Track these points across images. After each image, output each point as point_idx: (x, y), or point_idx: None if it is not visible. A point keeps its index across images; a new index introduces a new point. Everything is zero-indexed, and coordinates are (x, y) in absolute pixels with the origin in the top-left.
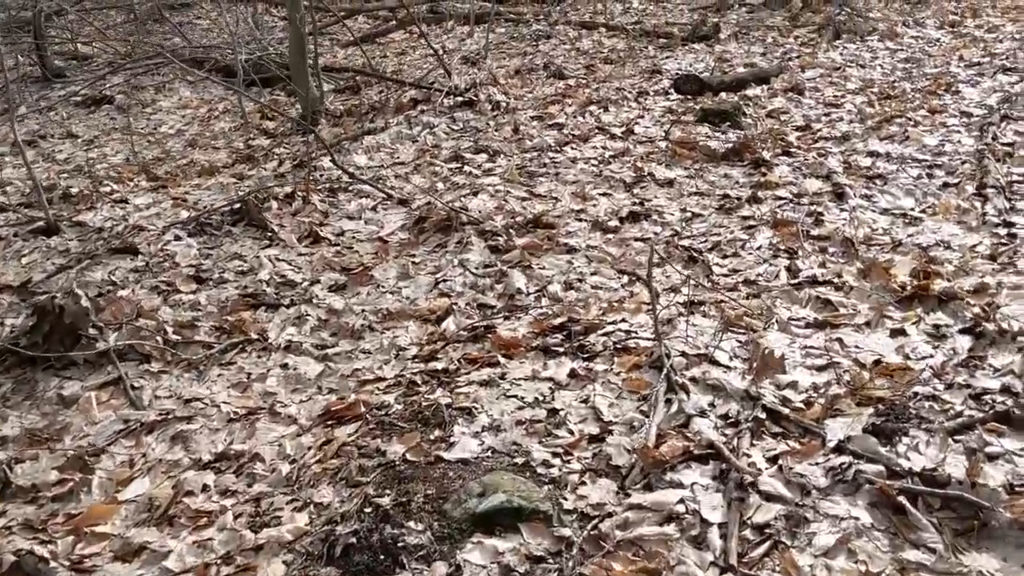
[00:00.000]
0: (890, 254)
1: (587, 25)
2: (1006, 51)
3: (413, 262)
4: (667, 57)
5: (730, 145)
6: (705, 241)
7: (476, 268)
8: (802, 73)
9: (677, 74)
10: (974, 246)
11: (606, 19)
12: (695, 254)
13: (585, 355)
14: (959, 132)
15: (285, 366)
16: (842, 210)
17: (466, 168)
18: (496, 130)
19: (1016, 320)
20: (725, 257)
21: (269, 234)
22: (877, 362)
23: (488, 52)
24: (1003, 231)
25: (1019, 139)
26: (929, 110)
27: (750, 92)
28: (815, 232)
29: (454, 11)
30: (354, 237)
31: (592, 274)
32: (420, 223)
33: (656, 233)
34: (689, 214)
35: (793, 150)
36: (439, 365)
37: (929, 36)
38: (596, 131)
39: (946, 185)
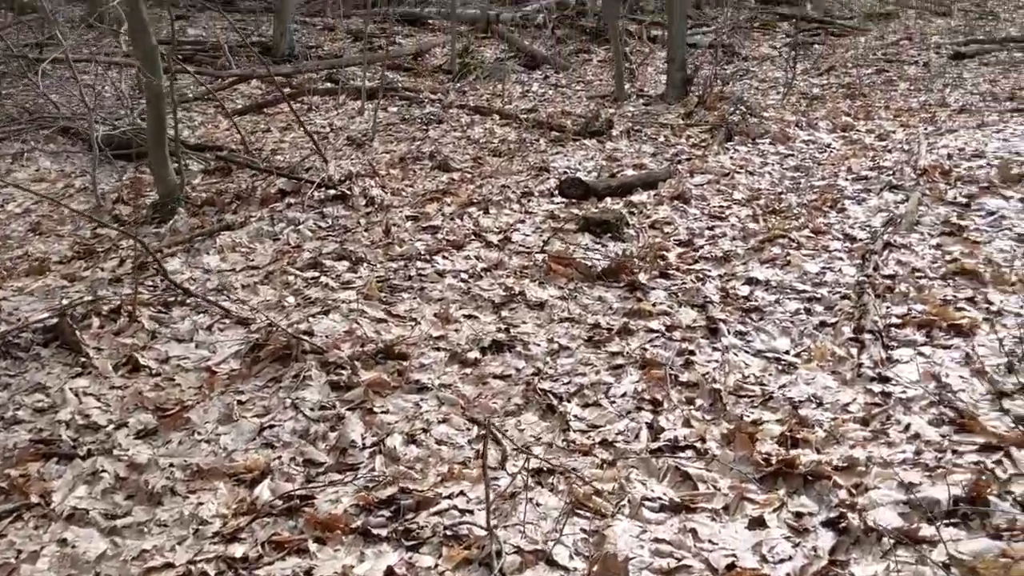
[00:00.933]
0: (759, 410)
1: (481, 110)
2: (894, 164)
3: (239, 401)
4: (557, 153)
5: (608, 262)
6: (568, 383)
7: (311, 410)
8: (691, 178)
9: (564, 174)
10: (847, 404)
11: (503, 102)
12: (554, 401)
13: (411, 541)
14: (841, 259)
15: (64, 542)
16: (715, 349)
17: (323, 279)
18: (366, 230)
19: (883, 511)
20: (586, 406)
21: (83, 359)
22: (731, 567)
23: (375, 134)
24: (877, 387)
25: (900, 271)
26: (813, 230)
27: (636, 198)
28: (684, 377)
29: (349, 84)
30: (180, 365)
31: (440, 422)
32: (257, 350)
33: (518, 369)
34: (556, 346)
35: (672, 271)
36: (239, 550)
37: (820, 140)
38: (472, 237)
39: (823, 324)
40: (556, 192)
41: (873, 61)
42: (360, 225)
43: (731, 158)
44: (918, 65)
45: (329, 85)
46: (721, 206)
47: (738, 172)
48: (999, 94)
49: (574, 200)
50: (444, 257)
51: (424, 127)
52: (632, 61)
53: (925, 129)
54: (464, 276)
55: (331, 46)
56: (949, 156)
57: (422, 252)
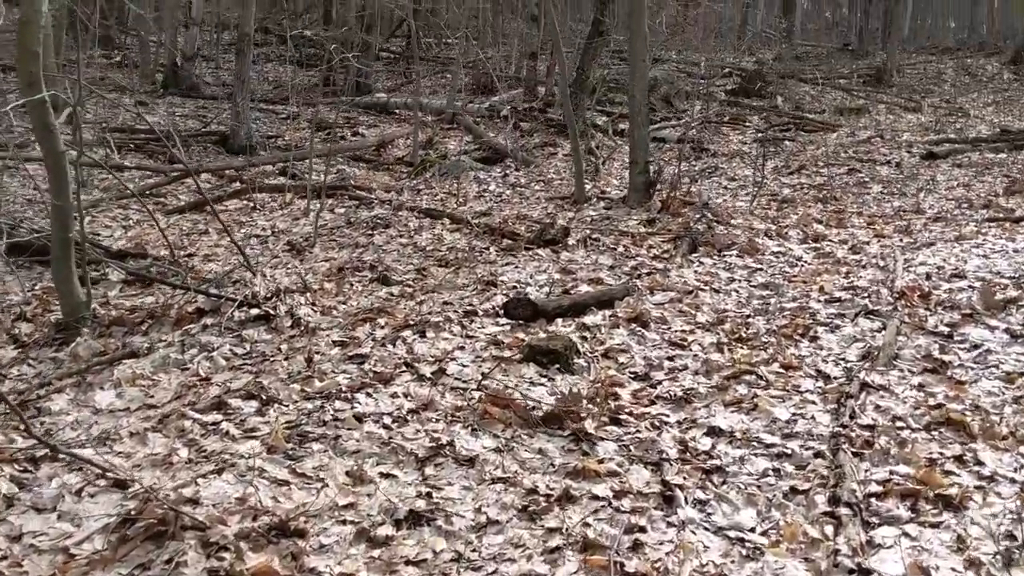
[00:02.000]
0: None
1: (432, 213)
2: (870, 283)
3: None
4: (508, 264)
5: (553, 402)
6: (494, 572)
7: None
8: (651, 296)
9: (514, 288)
10: None
11: (457, 203)
12: None
13: None
14: (814, 402)
15: None
16: (669, 524)
17: (225, 424)
18: (287, 359)
19: None
20: None
21: None
22: None
23: (317, 240)
24: None
25: (880, 419)
26: (783, 365)
27: (591, 319)
28: (631, 566)
29: (303, 178)
30: (33, 545)
31: None
32: (128, 524)
33: (436, 552)
34: (484, 518)
35: (625, 415)
36: None
37: (791, 253)
38: (403, 368)
39: (794, 491)
40: (502, 312)
41: (844, 160)
42: (280, 352)
43: (695, 272)
44: (890, 165)
45: (281, 180)
46: (683, 331)
47: (702, 289)
48: (974, 201)
49: (521, 322)
50: (368, 395)
51: (370, 231)
52: (597, 156)
53: (901, 242)
54: (387, 421)
55: (292, 136)
56: (928, 276)
57: (343, 388)
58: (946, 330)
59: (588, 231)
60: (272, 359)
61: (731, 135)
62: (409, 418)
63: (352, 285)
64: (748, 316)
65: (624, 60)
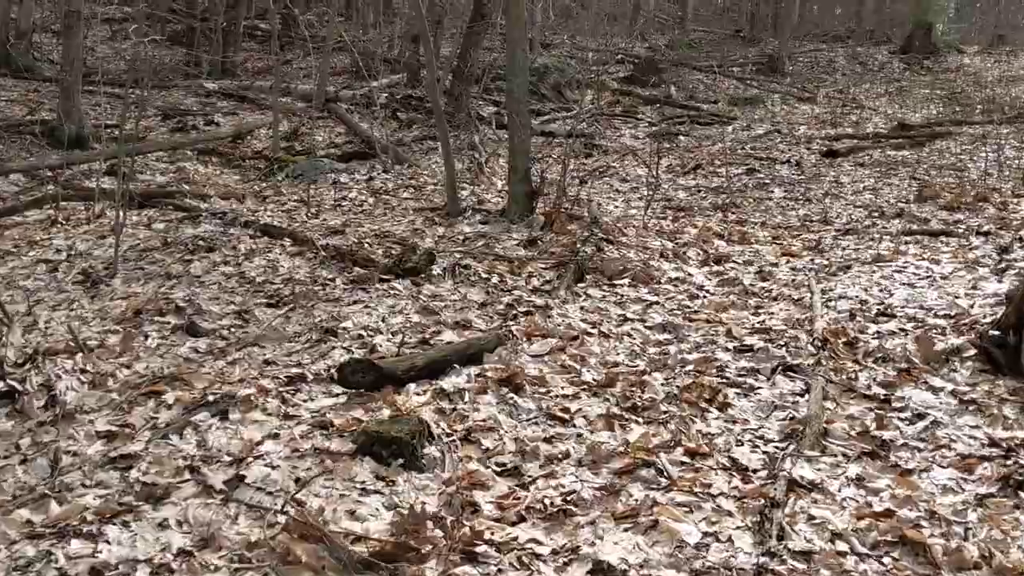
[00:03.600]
0: None
1: (271, 231)
2: (784, 324)
3: None
4: (356, 302)
5: (386, 528)
6: None
7: None
8: (528, 346)
9: (359, 337)
10: None
11: (308, 214)
12: None
13: None
14: (730, 513)
15: None
16: None
17: None
18: (23, 463)
19: None
20: None
21: None
22: None
23: (118, 269)
24: None
25: (816, 539)
26: (688, 451)
27: (451, 383)
28: None
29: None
30: None
31: None
32: None
33: None
34: None
35: (483, 548)
36: None
37: (691, 280)
38: (185, 475)
39: None
40: (337, 377)
41: (742, 158)
42: (17, 451)
43: (582, 309)
44: (790, 164)
45: (105, 183)
46: (565, 395)
47: (589, 333)
48: (885, 208)
49: (362, 391)
50: (124, 525)
51: (189, 256)
52: (480, 153)
53: (813, 263)
54: (145, 569)
55: (134, 125)
56: (851, 315)
57: (90, 517)
58: (881, 392)
59: (458, 255)
60: (6, 463)
61: (623, 129)
62: (176, 566)
63: (147, 337)
64: (644, 372)
65: None
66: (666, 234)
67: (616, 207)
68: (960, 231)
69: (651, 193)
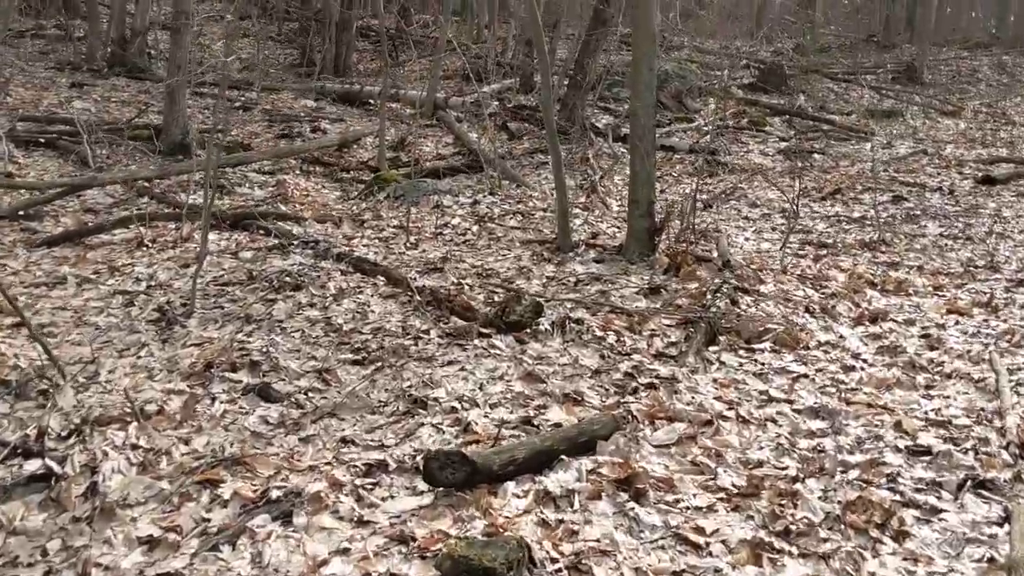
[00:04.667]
0: None
1: (364, 267)
2: (966, 413)
3: None
4: (450, 363)
5: None
6: None
7: None
8: (650, 434)
9: (452, 412)
10: None
11: (407, 244)
12: None
13: None
14: None
15: None
16: None
17: None
18: (50, 575)
19: None
20: None
21: None
22: None
23: (194, 309)
24: None
25: None
26: None
27: (557, 482)
28: None
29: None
30: None
31: None
32: None
33: None
34: None
35: None
36: None
37: (844, 345)
38: None
39: None
40: (422, 472)
41: (886, 183)
42: (43, 559)
43: (715, 382)
44: (942, 192)
45: (197, 199)
46: (698, 509)
47: (726, 417)
48: None
49: (452, 488)
50: None
51: (274, 294)
52: (595, 170)
53: (991, 330)
54: None
55: (240, 131)
56: None
57: None
58: None
59: (569, 305)
60: None
61: (750, 144)
62: None
63: (213, 401)
64: (795, 478)
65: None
66: (809, 280)
67: (747, 239)
68: None
69: (790, 226)
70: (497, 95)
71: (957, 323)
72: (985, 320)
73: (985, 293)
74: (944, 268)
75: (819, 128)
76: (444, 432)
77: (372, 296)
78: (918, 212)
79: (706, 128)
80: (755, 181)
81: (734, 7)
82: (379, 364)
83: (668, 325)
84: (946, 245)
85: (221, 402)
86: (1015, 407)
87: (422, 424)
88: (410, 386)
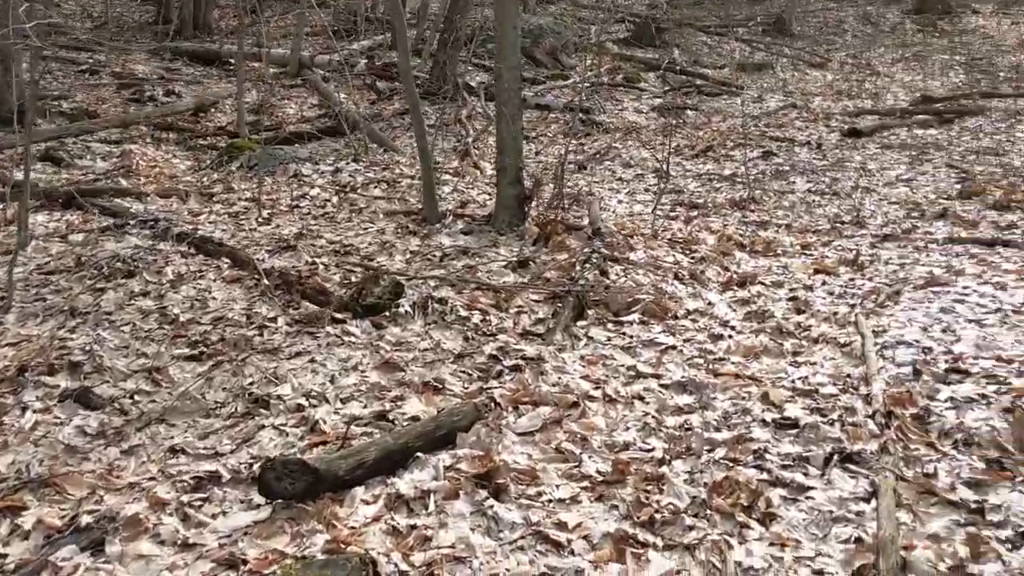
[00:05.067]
0: None
1: (208, 248)
2: (833, 380)
3: None
4: (299, 354)
5: None
6: None
7: None
8: (513, 421)
9: (298, 409)
10: None
11: (259, 219)
12: None
13: None
14: None
15: None
16: None
17: None
18: None
19: None
20: None
21: None
22: None
23: (12, 302)
24: None
25: None
26: None
27: (411, 483)
28: None
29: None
30: None
31: None
32: None
33: None
34: None
35: None
36: None
37: (713, 312)
38: None
39: None
40: (258, 484)
41: (756, 138)
42: None
43: (582, 359)
44: (810, 147)
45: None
46: (561, 501)
47: (592, 398)
48: (924, 206)
49: (292, 500)
50: None
51: (104, 282)
52: (467, 132)
53: (857, 290)
54: None
55: (86, 97)
56: (916, 372)
57: None
58: (971, 497)
59: (433, 283)
60: None
61: (625, 101)
62: None
63: (24, 410)
64: (662, 460)
65: None
66: (679, 244)
67: (620, 202)
68: (1018, 240)
69: (660, 189)
70: (367, 52)
71: (824, 283)
72: (851, 279)
73: (851, 250)
74: (812, 225)
75: (692, 83)
76: (287, 434)
77: (215, 281)
78: (787, 168)
79: (581, 85)
80: (629, 140)
81: None
82: (218, 359)
83: (536, 301)
84: (814, 201)
85: (33, 412)
86: (880, 372)
87: (262, 426)
88: (252, 383)
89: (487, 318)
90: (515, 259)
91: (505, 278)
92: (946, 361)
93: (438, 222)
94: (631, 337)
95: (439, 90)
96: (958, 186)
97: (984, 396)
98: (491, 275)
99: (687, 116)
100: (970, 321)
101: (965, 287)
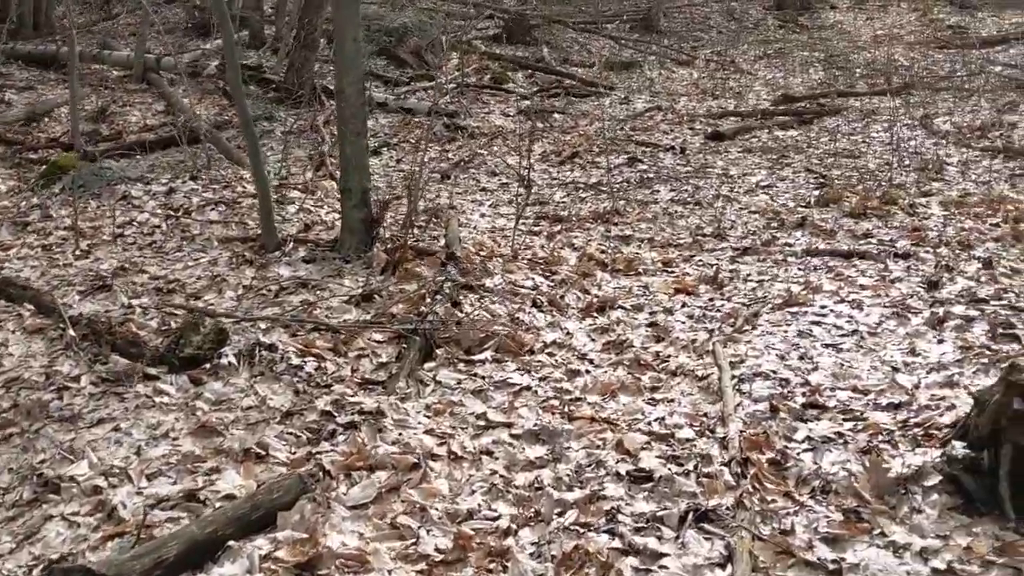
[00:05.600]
0: None
1: (11, 292)
2: (689, 420)
3: None
4: (104, 420)
5: None
6: None
7: None
8: (343, 490)
9: (95, 492)
10: None
11: (76, 251)
12: None
13: None
14: None
15: None
16: None
17: None
18: None
19: None
20: None
21: None
22: None
23: None
24: None
25: None
26: None
27: None
28: None
29: None
30: None
31: None
32: None
33: None
34: None
35: None
36: None
37: (572, 344)
38: None
39: None
40: None
41: (622, 143)
42: None
43: (428, 409)
44: (674, 152)
45: None
46: None
47: (436, 456)
48: (784, 215)
49: None
50: None
51: None
52: (323, 139)
53: (716, 313)
54: None
55: None
56: (772, 407)
57: None
58: (828, 557)
59: (263, 326)
60: None
61: (492, 103)
62: None
63: None
64: (508, 530)
65: None
66: (540, 264)
67: (483, 215)
68: (874, 251)
69: (521, 205)
70: (219, 53)
71: (684, 305)
72: (711, 299)
73: (712, 266)
74: (674, 238)
75: (561, 84)
76: (78, 526)
77: (13, 332)
78: (652, 175)
79: (445, 87)
80: (495, 146)
81: None
82: (8, 431)
83: (379, 341)
84: (676, 212)
85: None
86: (738, 410)
87: (50, 516)
88: (43, 460)
89: (323, 365)
90: (360, 292)
91: (347, 315)
92: (803, 394)
93: (277, 249)
94: (483, 378)
95: (295, 94)
96: (816, 192)
97: (841, 435)
98: (331, 313)
99: (554, 119)
100: (827, 346)
101: (823, 306)
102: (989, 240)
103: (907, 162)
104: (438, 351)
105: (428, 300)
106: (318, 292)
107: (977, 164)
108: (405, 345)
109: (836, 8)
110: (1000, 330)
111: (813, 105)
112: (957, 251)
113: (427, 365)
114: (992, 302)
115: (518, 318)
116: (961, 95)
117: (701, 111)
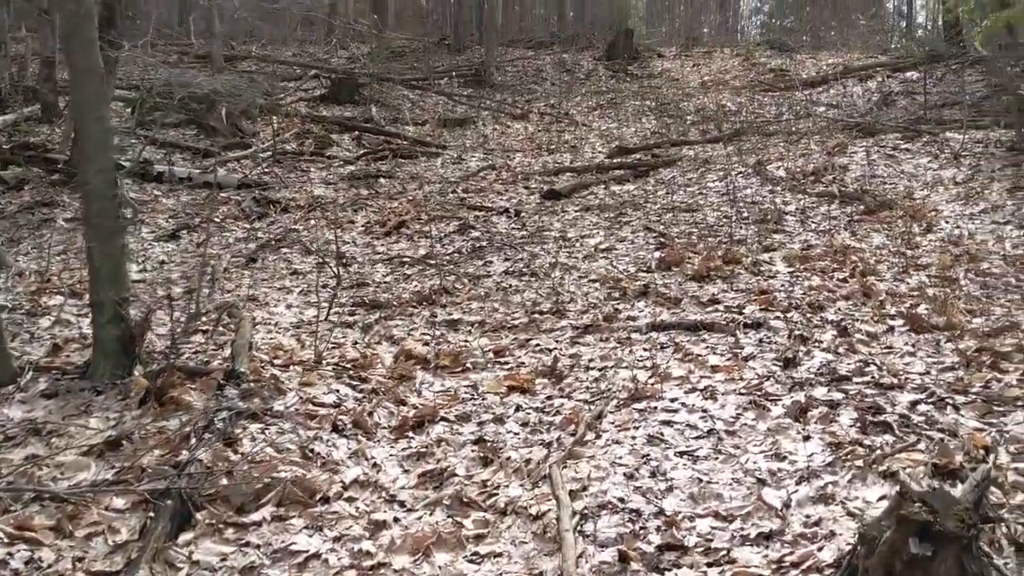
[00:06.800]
0: None
1: None
2: None
3: None
4: None
5: None
6: None
7: None
8: None
9: None
10: None
11: None
12: None
13: None
14: None
15: None
16: None
17: None
18: None
19: None
20: None
21: None
22: None
23: None
24: None
25: None
26: None
27: None
28: None
29: None
30: None
31: None
32: None
33: None
34: None
35: None
36: None
37: (379, 485)
38: None
39: None
40: None
41: (454, 207)
42: None
43: None
44: (508, 214)
45: None
46: None
47: None
48: (624, 282)
49: None
50: None
51: None
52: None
53: (554, 419)
54: None
55: None
56: (622, 558)
57: None
58: None
59: None
60: None
61: (312, 170)
62: None
63: None
64: None
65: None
66: (348, 370)
67: (290, 306)
68: (722, 321)
69: (331, 295)
70: (9, 127)
71: (518, 408)
72: (548, 398)
73: (550, 351)
74: (508, 319)
75: (390, 145)
76: None
77: None
78: (484, 243)
79: (260, 155)
80: (312, 219)
81: (308, 12)
82: None
83: (119, 510)
84: (511, 286)
85: None
86: (580, 563)
87: None
88: None
89: (37, 555)
90: (109, 435)
91: (82, 473)
92: (658, 530)
93: (12, 382)
94: (258, 547)
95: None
96: (657, 254)
97: None
98: (64, 470)
99: (380, 185)
100: (681, 454)
101: (673, 399)
102: (839, 299)
103: (745, 214)
104: (199, 515)
105: (193, 442)
106: (53, 440)
107: (814, 211)
108: (152, 515)
109: (663, 56)
110: (869, 417)
111: (647, 156)
112: (808, 315)
113: (182, 538)
114: (855, 379)
115: (313, 450)
116: (791, 139)
117: (537, 167)
